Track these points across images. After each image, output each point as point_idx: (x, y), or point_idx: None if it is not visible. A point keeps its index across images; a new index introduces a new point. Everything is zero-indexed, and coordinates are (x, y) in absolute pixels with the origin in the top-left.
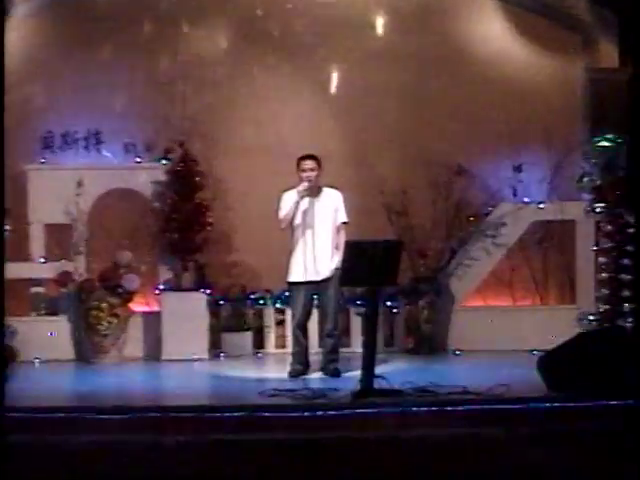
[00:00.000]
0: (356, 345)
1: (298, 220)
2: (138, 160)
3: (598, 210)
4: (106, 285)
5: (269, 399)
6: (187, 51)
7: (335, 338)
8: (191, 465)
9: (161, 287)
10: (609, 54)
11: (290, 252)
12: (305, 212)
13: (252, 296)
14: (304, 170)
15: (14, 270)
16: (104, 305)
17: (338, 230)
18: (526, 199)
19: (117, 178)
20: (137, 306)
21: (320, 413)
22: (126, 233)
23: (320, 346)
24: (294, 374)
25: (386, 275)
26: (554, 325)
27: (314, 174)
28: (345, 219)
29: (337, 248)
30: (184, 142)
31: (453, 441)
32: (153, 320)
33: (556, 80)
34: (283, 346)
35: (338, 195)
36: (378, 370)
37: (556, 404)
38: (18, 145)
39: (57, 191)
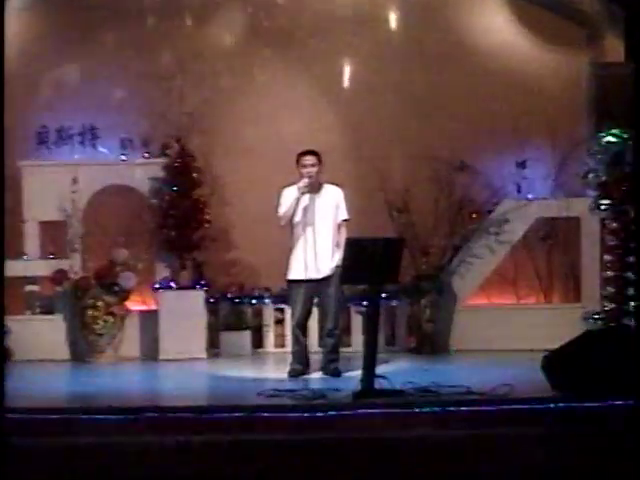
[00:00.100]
0: (357, 344)
1: (298, 217)
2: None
3: (603, 207)
4: (102, 283)
5: (268, 399)
6: (185, 45)
7: (335, 337)
8: (189, 466)
9: (158, 285)
10: (615, 48)
11: (290, 249)
12: (305, 209)
13: (251, 294)
14: (304, 166)
15: (8, 268)
16: (100, 304)
17: (339, 227)
18: (530, 195)
19: (113, 174)
20: (134, 305)
21: (320, 414)
22: (122, 230)
23: (320, 345)
24: (294, 374)
25: (387, 273)
26: (559, 324)
27: (315, 170)
28: (346, 216)
29: (338, 246)
30: (181, 138)
31: (456, 442)
32: (150, 319)
33: (561, 74)
34: (282, 345)
35: (339, 192)
36: (379, 370)
37: (561, 404)
38: (12, 141)
39: (52, 187)
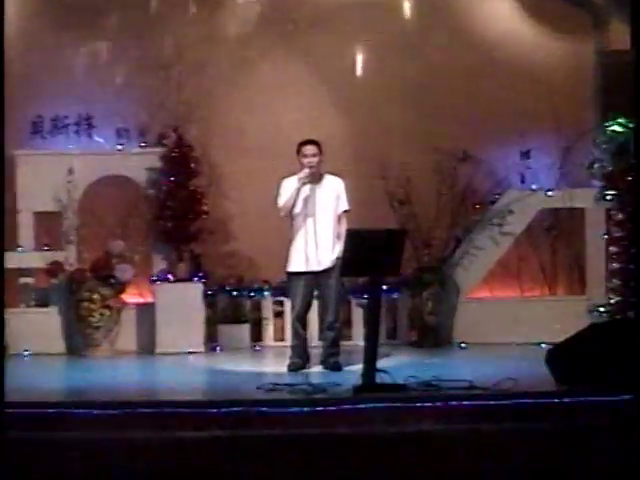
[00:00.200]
0: (358, 338)
1: (298, 208)
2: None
3: (609, 197)
4: (98, 275)
5: (267, 394)
6: (183, 33)
7: (336, 330)
8: (187, 462)
9: (155, 277)
10: (621, 35)
11: (290, 241)
12: (306, 200)
13: (249, 287)
14: (305, 155)
15: None
16: (96, 296)
17: (339, 218)
18: (534, 186)
19: (109, 164)
20: (130, 297)
21: (320, 408)
22: (119, 221)
23: (320, 339)
24: (293, 368)
25: (389, 265)
26: (563, 317)
27: (316, 160)
28: (347, 207)
29: (338, 237)
30: (179, 127)
31: (458, 437)
32: (147, 312)
33: (566, 62)
34: (282, 339)
35: (340, 182)
36: (380, 364)
37: (566, 399)
38: (6, 130)
39: (47, 178)
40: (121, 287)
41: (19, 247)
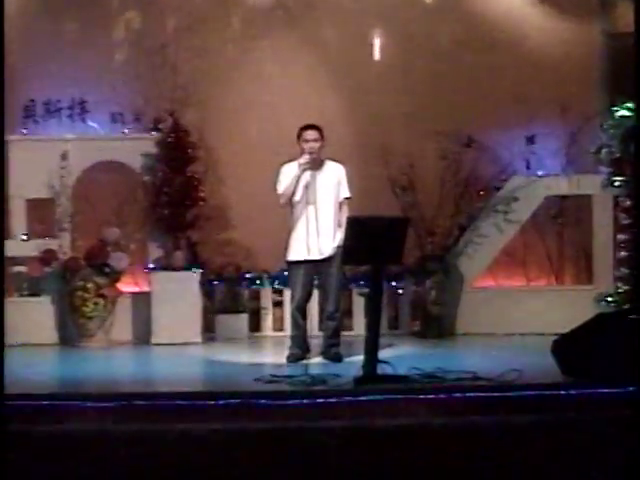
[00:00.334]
0: (359, 328)
1: (299, 195)
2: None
3: (617, 184)
4: (92, 264)
5: (266, 385)
6: (179, 15)
7: (337, 320)
8: (183, 455)
9: (151, 266)
10: (628, 17)
11: (290, 229)
12: (307, 186)
13: (248, 276)
14: (307, 141)
15: None
16: (90, 285)
17: (341, 206)
18: (540, 172)
19: (104, 150)
20: (125, 286)
21: (320, 400)
22: (113, 208)
23: (320, 329)
24: (293, 359)
25: (391, 253)
26: (570, 307)
27: (317, 145)
28: (348, 194)
29: (339, 225)
30: (175, 112)
31: (462, 430)
32: (142, 301)
33: (572, 45)
34: (281, 329)
35: (341, 169)
36: (382, 355)
37: (572, 391)
38: None
39: (40, 164)
40: (116, 276)
41: (11, 235)
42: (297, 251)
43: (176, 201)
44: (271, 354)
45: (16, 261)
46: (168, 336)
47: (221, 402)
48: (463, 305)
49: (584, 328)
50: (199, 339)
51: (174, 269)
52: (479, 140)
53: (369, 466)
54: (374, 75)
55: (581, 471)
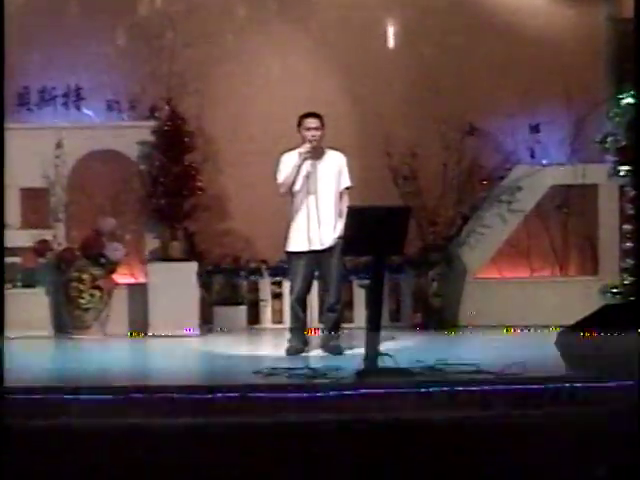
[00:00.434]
0: (359, 320)
1: (299, 184)
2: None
3: (622, 173)
4: (88, 255)
5: (265, 379)
6: (175, 0)
7: (337, 313)
8: (180, 450)
9: (147, 257)
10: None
11: (290, 219)
12: (307, 176)
13: (246, 267)
14: (308, 129)
15: None
16: (85, 276)
17: (341, 195)
18: (544, 161)
19: (99, 138)
20: (121, 277)
21: (320, 394)
22: (109, 198)
23: (321, 321)
24: (292, 352)
25: (392, 244)
26: (575, 298)
27: (318, 134)
28: (349, 184)
29: (340, 215)
30: (172, 99)
31: (464, 424)
32: (139, 293)
33: (577, 30)
34: (280, 321)
35: (342, 158)
36: (383, 348)
37: (577, 384)
38: None
39: (34, 152)
40: (112, 267)
41: (4, 225)
42: (297, 242)
43: (173, 191)
44: (270, 347)
45: (10, 252)
46: (165, 328)
47: (219, 395)
48: (466, 297)
49: (589, 320)
50: (197, 331)
51: (171, 260)
52: (482, 128)
53: (370, 460)
54: (375, 62)
55: (586, 465)
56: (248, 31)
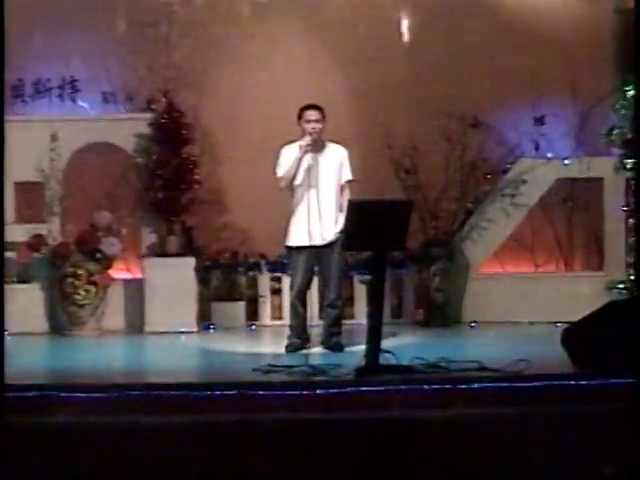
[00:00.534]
0: (360, 316)
1: (300, 178)
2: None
3: (629, 166)
4: (83, 250)
5: (264, 376)
6: None
7: (338, 309)
8: (177, 448)
9: (144, 252)
10: None
11: (290, 213)
12: (308, 169)
13: (245, 262)
14: (309, 121)
15: None
16: (81, 272)
17: (342, 189)
18: (549, 154)
19: (95, 131)
20: (117, 273)
21: (320, 391)
22: (105, 192)
23: (321, 317)
24: (292, 348)
25: (393, 239)
26: (580, 294)
27: (319, 126)
28: (350, 177)
29: (341, 209)
30: (169, 91)
31: (467, 422)
32: (135, 288)
33: (582, 22)
34: (280, 317)
35: (343, 151)
36: (384, 344)
37: (582, 381)
38: None
39: (28, 145)
40: (108, 262)
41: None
42: (298, 236)
43: (170, 184)
44: (269, 343)
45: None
46: (162, 324)
47: (217, 393)
48: (468, 292)
49: (595, 316)
50: (194, 328)
51: (168, 255)
52: (485, 121)
53: (371, 458)
54: (376, 55)
55: (591, 463)
56: (247, 23)
